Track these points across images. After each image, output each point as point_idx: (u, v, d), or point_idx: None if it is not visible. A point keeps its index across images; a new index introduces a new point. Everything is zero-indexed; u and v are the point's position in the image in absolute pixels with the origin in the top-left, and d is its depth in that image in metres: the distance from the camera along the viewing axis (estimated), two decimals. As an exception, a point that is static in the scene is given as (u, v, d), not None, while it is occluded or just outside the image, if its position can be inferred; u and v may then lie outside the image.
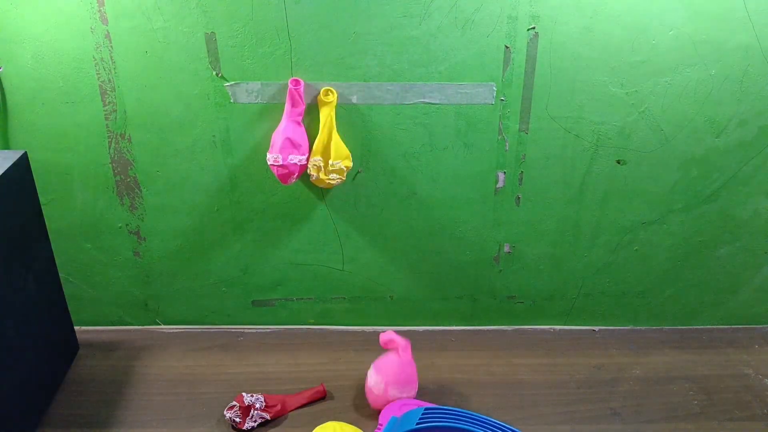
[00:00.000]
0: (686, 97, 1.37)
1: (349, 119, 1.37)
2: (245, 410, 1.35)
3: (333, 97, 1.31)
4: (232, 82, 1.33)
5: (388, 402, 1.35)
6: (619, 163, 1.44)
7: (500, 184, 1.46)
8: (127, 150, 1.40)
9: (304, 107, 1.33)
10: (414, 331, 1.65)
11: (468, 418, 1.12)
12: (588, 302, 1.63)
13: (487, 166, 1.44)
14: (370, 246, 1.53)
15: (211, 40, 1.29)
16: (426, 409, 1.15)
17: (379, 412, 1.36)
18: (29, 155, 1.31)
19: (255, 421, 1.34)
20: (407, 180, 1.44)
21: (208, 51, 1.30)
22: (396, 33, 1.29)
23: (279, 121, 1.35)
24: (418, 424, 1.11)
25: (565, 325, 1.67)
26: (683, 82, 1.35)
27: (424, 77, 1.33)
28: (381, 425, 1.30)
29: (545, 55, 1.32)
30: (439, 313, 1.64)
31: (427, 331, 1.65)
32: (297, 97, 1.31)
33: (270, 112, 1.36)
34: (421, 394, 1.41)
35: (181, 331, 1.63)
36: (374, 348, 1.41)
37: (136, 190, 1.45)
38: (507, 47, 1.31)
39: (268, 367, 1.51)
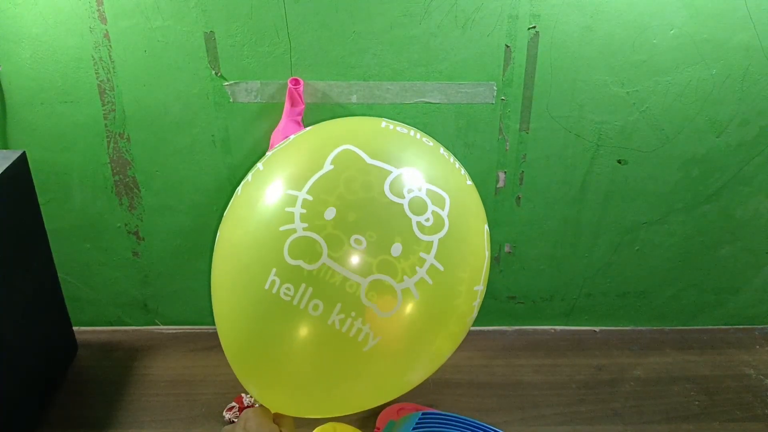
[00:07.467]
0: (687, 97, 1.36)
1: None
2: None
3: None
4: (232, 82, 1.33)
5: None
6: (620, 162, 1.43)
7: (501, 184, 1.46)
8: (126, 150, 1.40)
9: (303, 107, 1.33)
10: (414, 331, 1.64)
11: (466, 426, 1.11)
12: (589, 303, 1.63)
13: (488, 165, 1.43)
14: (369, 246, 1.53)
15: (210, 39, 1.28)
16: (423, 414, 1.14)
17: (376, 415, 1.36)
18: (28, 155, 1.30)
19: (254, 422, 1.34)
20: (407, 180, 1.44)
21: (207, 50, 1.29)
22: (396, 32, 1.28)
23: (278, 120, 1.34)
24: (414, 429, 1.10)
25: (565, 325, 1.66)
26: (684, 81, 1.34)
27: (424, 76, 1.33)
28: (378, 429, 1.29)
29: (546, 55, 1.31)
30: (439, 313, 1.64)
31: (427, 331, 1.64)
32: (296, 96, 1.30)
33: (269, 111, 1.35)
34: (421, 395, 1.41)
35: (181, 332, 1.62)
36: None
37: (135, 190, 1.44)
38: (507, 46, 1.31)
39: (268, 367, 1.50)
